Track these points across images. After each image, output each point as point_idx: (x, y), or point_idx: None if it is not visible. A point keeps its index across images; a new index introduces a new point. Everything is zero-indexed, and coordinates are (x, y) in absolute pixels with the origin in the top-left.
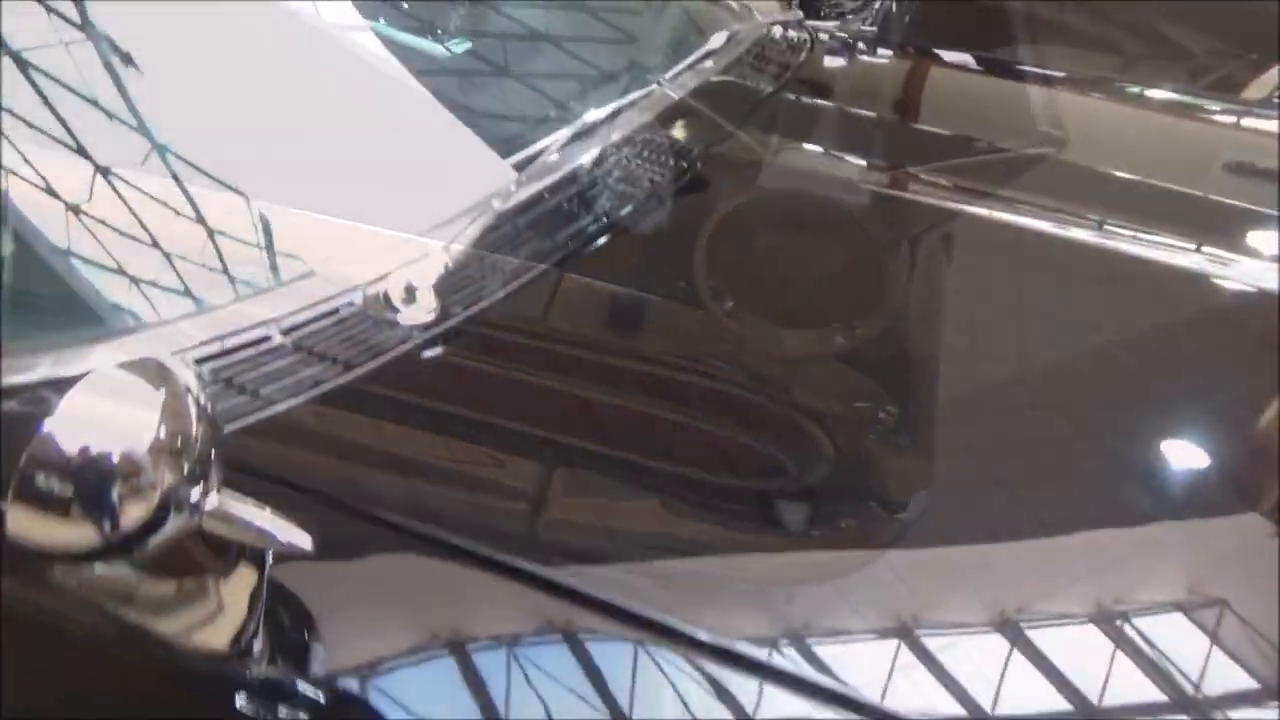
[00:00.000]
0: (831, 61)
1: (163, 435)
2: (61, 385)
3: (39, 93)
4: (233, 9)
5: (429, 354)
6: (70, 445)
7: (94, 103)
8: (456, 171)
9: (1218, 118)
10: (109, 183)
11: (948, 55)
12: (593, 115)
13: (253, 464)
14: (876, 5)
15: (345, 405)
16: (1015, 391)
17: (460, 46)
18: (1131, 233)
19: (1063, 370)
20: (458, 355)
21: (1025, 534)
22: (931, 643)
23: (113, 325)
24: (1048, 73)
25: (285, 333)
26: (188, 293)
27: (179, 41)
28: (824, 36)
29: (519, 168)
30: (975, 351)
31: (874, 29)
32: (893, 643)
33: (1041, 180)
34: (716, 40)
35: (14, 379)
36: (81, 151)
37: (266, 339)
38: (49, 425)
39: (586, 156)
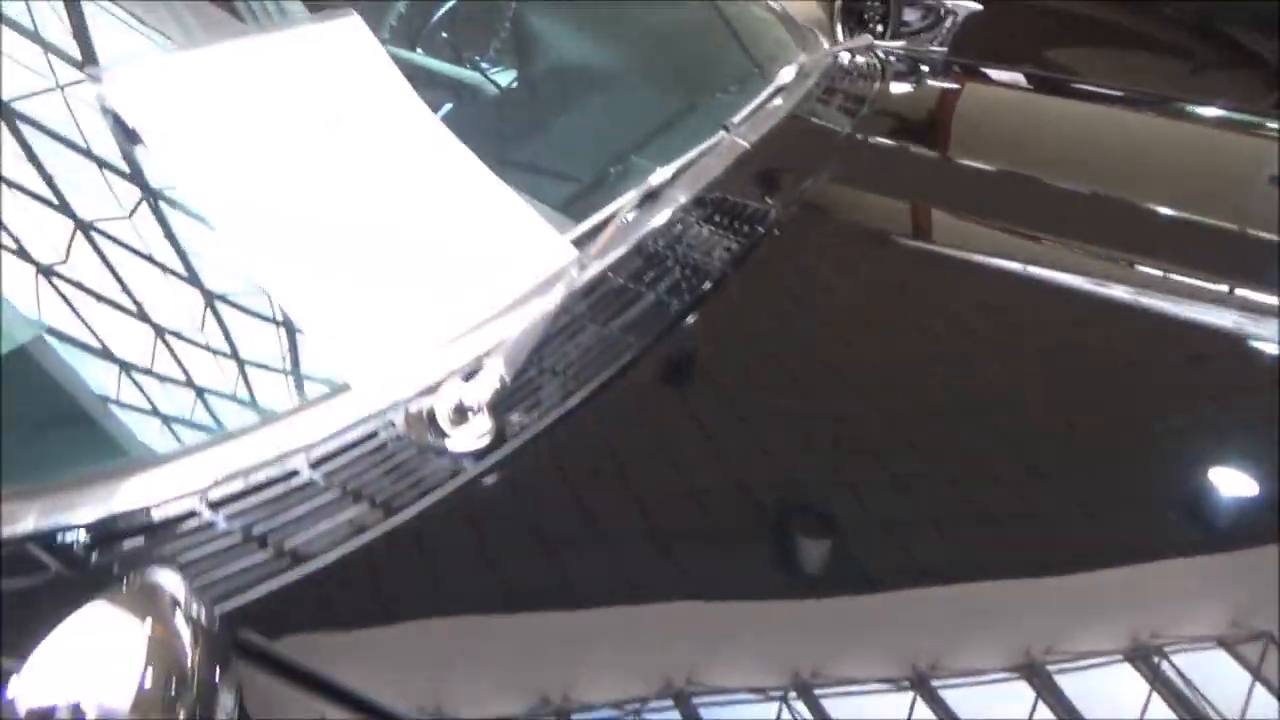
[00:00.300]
0: (900, 88)
1: (149, 681)
2: (50, 539)
3: (24, 145)
4: (245, 62)
5: (484, 487)
6: (34, 713)
7: (87, 152)
8: (506, 251)
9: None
10: (96, 248)
11: (996, 74)
12: (658, 176)
13: (274, 653)
14: (947, 23)
15: (386, 562)
16: (1050, 421)
17: (503, 76)
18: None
19: (1102, 398)
20: (520, 491)
21: (1058, 568)
22: (953, 692)
23: (108, 444)
24: (1106, 90)
25: (315, 464)
26: (190, 383)
27: (190, 97)
28: (891, 59)
29: (580, 243)
30: (1012, 383)
31: (944, 50)
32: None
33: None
34: (785, 76)
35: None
36: (65, 208)
37: (294, 474)
38: (12, 689)
39: (654, 222)
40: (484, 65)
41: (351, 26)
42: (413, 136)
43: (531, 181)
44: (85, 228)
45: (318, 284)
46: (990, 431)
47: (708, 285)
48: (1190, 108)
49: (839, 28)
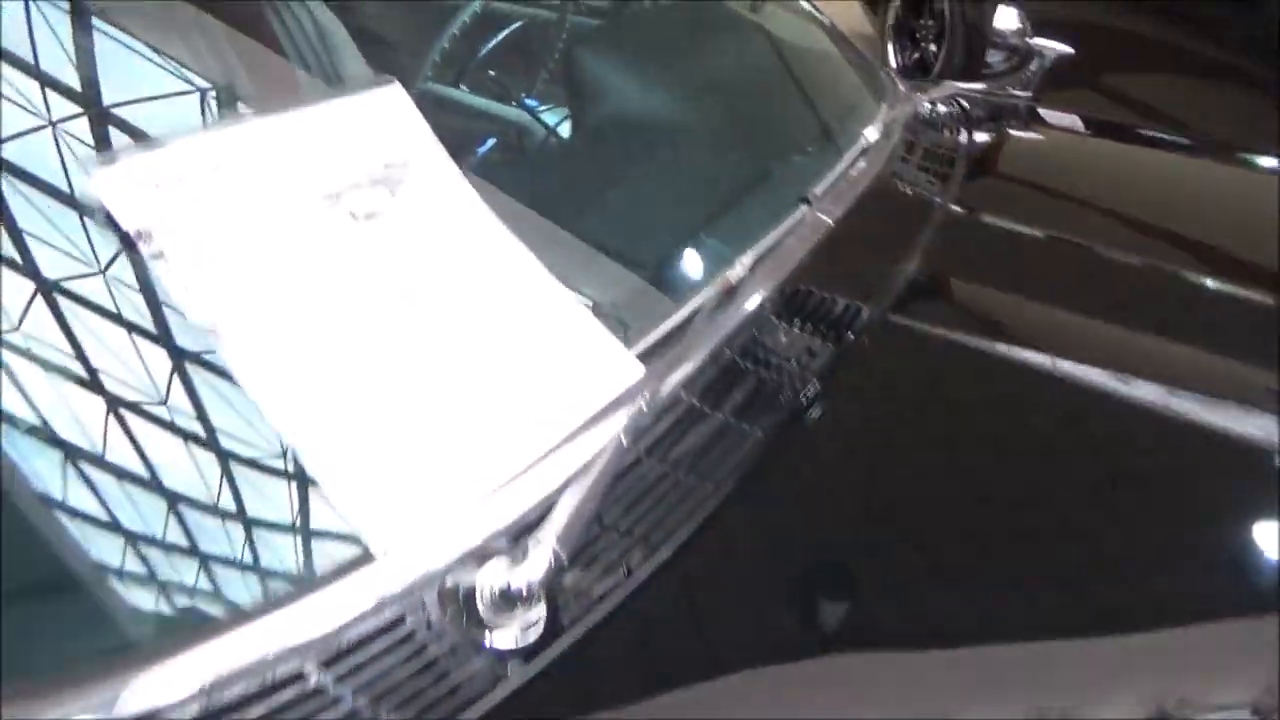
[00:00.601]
0: (992, 142)
1: None
2: None
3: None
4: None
5: (534, 698)
6: None
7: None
8: (562, 370)
9: None
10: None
11: (1056, 118)
12: (736, 269)
13: None
14: (1033, 66)
15: None
16: (1078, 472)
17: (552, 116)
18: None
19: (1135, 456)
20: (582, 706)
21: (1081, 631)
22: None
23: (58, 629)
24: (1174, 139)
25: (327, 663)
26: (165, 549)
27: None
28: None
29: (649, 356)
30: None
31: (1030, 95)
32: None
33: None
34: (869, 134)
35: None
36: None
37: (299, 678)
38: None
39: (732, 325)
40: (530, 103)
41: (391, 97)
42: (454, 228)
43: (583, 267)
44: (52, 292)
45: (333, 417)
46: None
47: (799, 407)
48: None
49: (889, 46)
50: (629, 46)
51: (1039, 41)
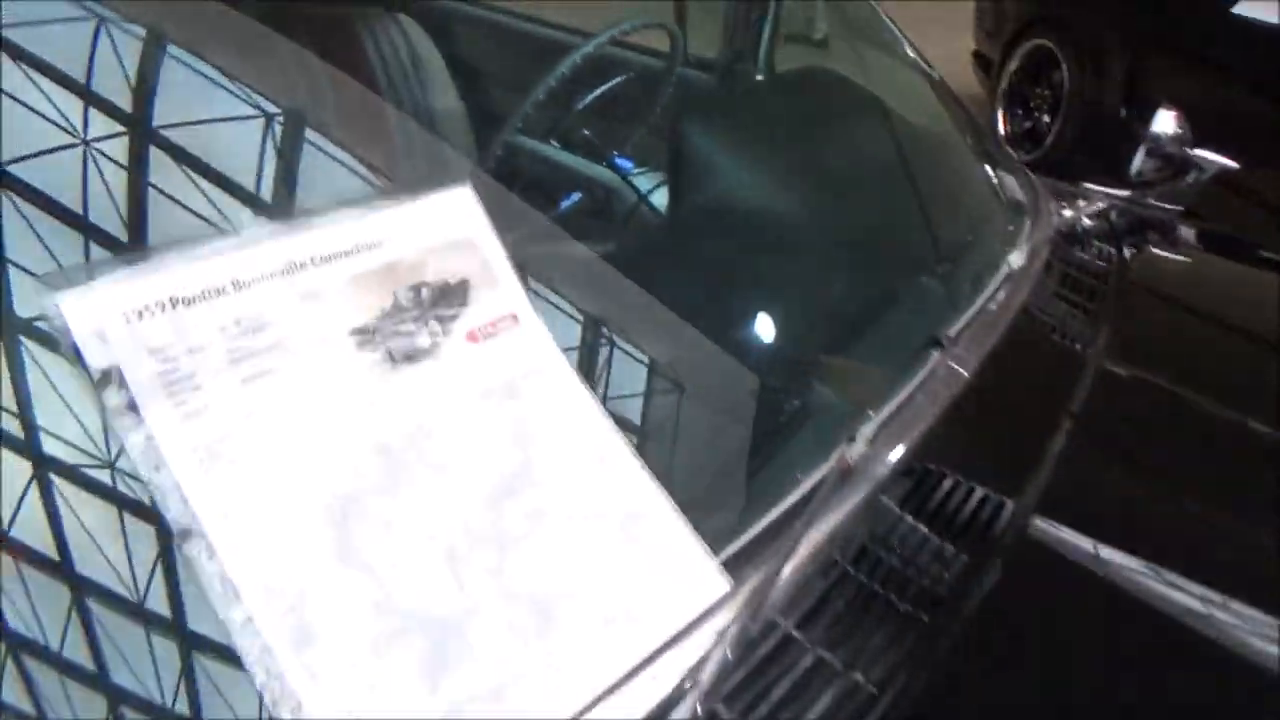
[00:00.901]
0: (1145, 265)
1: None
2: None
3: None
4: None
5: None
6: None
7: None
8: (617, 585)
9: None
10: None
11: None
12: (855, 448)
13: None
14: (1190, 178)
15: None
16: None
17: (644, 180)
18: None
19: None
20: None
21: None
22: None
23: None
24: None
25: None
26: None
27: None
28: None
29: (738, 565)
30: None
31: (1182, 209)
32: None
33: None
34: (1014, 259)
35: None
36: None
37: None
38: None
39: (842, 519)
40: (623, 163)
41: (458, 202)
42: (516, 377)
43: (660, 411)
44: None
45: (330, 631)
46: None
47: (928, 648)
48: None
49: (999, 112)
50: (741, 127)
51: (1199, 153)
